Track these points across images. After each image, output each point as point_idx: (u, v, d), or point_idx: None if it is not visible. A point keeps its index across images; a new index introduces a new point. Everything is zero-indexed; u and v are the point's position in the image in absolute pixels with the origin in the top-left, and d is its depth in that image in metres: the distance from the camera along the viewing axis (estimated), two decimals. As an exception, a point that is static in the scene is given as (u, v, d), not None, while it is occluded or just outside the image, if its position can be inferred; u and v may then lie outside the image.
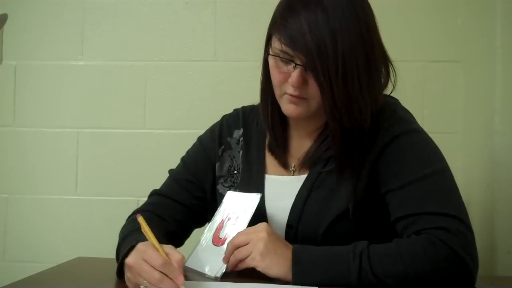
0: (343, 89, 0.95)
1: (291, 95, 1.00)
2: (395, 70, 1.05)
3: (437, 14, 1.74)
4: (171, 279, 0.85)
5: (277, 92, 1.04)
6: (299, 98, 1.00)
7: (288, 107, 1.02)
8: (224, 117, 1.25)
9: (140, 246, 0.91)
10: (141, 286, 0.87)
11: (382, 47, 1.03)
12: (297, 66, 0.97)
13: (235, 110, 1.25)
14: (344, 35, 0.93)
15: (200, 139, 1.24)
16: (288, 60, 0.98)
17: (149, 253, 0.87)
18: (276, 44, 0.99)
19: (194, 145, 1.25)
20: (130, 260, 0.90)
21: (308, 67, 0.96)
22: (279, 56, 0.99)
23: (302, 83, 0.98)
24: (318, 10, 0.94)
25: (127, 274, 0.91)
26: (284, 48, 0.97)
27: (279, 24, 0.98)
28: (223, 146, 1.19)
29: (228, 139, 1.20)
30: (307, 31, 0.93)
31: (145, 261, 0.87)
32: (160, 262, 0.85)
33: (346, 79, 0.94)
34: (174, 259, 0.87)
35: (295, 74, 0.97)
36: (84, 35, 1.88)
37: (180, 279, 0.85)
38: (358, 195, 1.01)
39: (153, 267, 0.86)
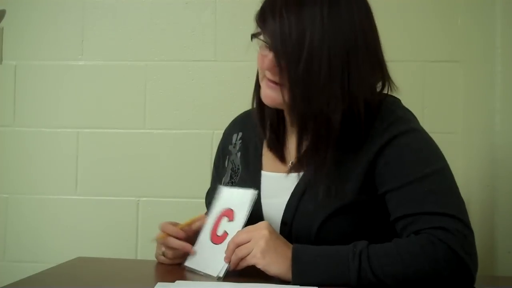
0: (305, 77, 0.96)
1: (268, 80, 1.03)
2: (388, 71, 1.05)
3: (437, 14, 1.74)
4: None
5: (260, 75, 1.07)
6: (275, 84, 1.02)
7: (264, 92, 1.05)
8: (225, 130, 1.29)
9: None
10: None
11: (375, 47, 1.03)
12: (271, 50, 1.00)
13: (232, 120, 1.29)
14: (315, 25, 0.95)
15: (214, 163, 1.31)
16: (266, 44, 1.01)
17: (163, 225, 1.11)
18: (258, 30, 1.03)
19: (212, 170, 1.32)
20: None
21: (274, 51, 0.98)
22: (259, 39, 1.02)
23: (275, 67, 1.00)
24: (296, 1, 0.97)
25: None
26: (256, 21, 1.02)
27: (260, 11, 1.02)
28: (227, 156, 1.22)
29: (230, 147, 1.23)
30: (277, 18, 0.97)
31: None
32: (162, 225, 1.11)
33: (309, 68, 0.96)
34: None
35: (268, 56, 1.00)
36: (84, 35, 1.88)
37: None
38: (352, 194, 1.01)
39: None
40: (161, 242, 1.11)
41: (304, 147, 1.05)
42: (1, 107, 1.90)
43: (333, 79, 0.97)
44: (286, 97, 1.00)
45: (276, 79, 1.01)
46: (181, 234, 1.09)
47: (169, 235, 1.09)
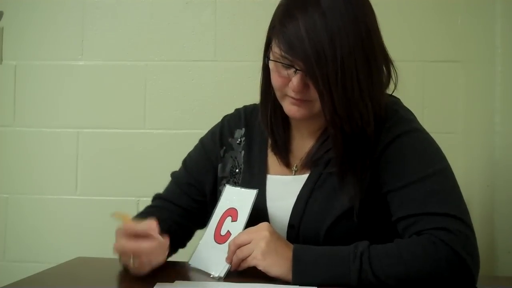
0: (343, 95, 0.94)
1: (293, 98, 1.00)
2: (396, 70, 1.05)
3: (437, 14, 1.74)
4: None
5: (278, 94, 1.04)
6: (301, 101, 1.00)
7: (290, 108, 1.02)
8: (225, 117, 1.24)
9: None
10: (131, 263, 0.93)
11: (383, 47, 1.02)
12: (297, 71, 0.96)
13: (237, 110, 1.24)
14: (342, 39, 0.92)
15: (201, 141, 1.24)
16: (288, 66, 0.98)
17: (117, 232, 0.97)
18: (276, 49, 0.99)
19: (195, 147, 1.24)
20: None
21: (307, 73, 0.95)
22: (279, 62, 0.98)
23: (303, 87, 0.97)
24: (316, 14, 0.93)
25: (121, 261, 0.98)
26: (284, 54, 0.96)
27: (278, 29, 0.97)
28: (224, 147, 1.19)
29: (230, 139, 1.20)
30: (305, 37, 0.92)
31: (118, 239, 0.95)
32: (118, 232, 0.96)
33: (345, 85, 0.94)
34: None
35: (295, 79, 0.97)
36: (84, 35, 1.88)
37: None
38: (361, 195, 1.00)
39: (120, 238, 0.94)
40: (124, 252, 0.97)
41: (316, 151, 1.06)
42: (1, 107, 1.90)
43: (363, 90, 0.96)
44: (328, 116, 0.96)
45: (305, 96, 0.99)
46: (136, 228, 0.97)
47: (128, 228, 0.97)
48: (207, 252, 1.04)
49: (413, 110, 1.09)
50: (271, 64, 1.02)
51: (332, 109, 0.95)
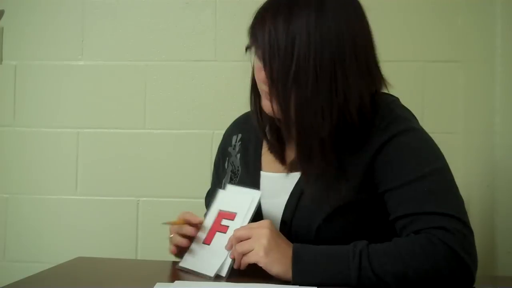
0: (293, 91, 0.97)
1: (265, 91, 1.04)
2: (382, 73, 1.05)
3: (437, 14, 1.74)
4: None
5: (258, 87, 1.08)
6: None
7: (263, 103, 1.06)
8: (225, 131, 1.29)
9: None
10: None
11: (364, 53, 1.02)
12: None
13: (234, 120, 1.29)
14: (302, 39, 0.96)
15: (214, 164, 1.31)
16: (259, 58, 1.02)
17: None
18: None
19: (212, 173, 1.32)
20: None
21: (263, 66, 1.00)
22: (249, 49, 1.05)
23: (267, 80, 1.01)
24: (283, 14, 0.98)
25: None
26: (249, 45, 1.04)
27: (251, 26, 1.05)
28: (227, 158, 1.23)
29: (229, 148, 1.23)
30: (266, 33, 0.98)
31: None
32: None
33: (297, 82, 0.96)
34: None
35: (262, 72, 1.01)
36: (84, 35, 1.88)
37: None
38: (352, 193, 1.01)
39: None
40: (175, 230, 1.09)
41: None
42: (1, 107, 1.90)
43: (321, 92, 0.97)
44: (276, 110, 1.01)
45: (269, 91, 1.02)
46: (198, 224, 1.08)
47: (187, 222, 1.07)
48: (197, 254, 1.04)
49: (413, 110, 1.09)
50: (255, 61, 1.06)
51: (277, 103, 0.99)
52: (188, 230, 1.06)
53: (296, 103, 0.98)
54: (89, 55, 1.88)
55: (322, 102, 0.97)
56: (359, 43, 1.01)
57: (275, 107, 1.00)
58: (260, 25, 1.01)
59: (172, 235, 1.08)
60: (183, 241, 1.06)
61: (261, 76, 1.02)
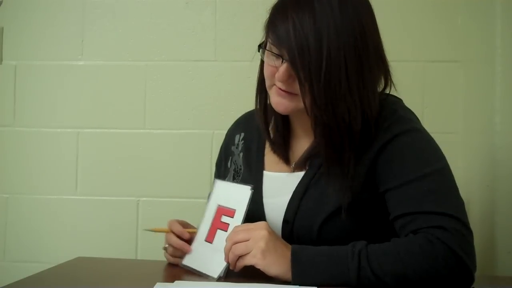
0: (326, 88, 0.96)
1: (279, 89, 1.02)
2: (391, 72, 1.06)
3: (437, 14, 1.74)
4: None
5: (267, 83, 1.06)
6: (287, 93, 1.02)
7: (275, 100, 1.05)
8: (227, 131, 1.29)
9: None
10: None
11: (379, 48, 1.03)
12: (283, 61, 0.99)
13: (236, 120, 1.29)
14: (330, 35, 0.95)
15: (215, 164, 1.31)
16: (277, 55, 1.01)
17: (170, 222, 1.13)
18: (268, 41, 1.03)
19: (214, 173, 1.31)
20: None
21: (291, 63, 0.98)
22: (269, 51, 1.02)
23: (289, 78, 1.00)
24: (306, 9, 0.96)
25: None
26: (271, 44, 1.01)
27: (270, 22, 1.02)
28: (230, 157, 1.23)
29: (232, 147, 1.23)
30: (291, 30, 0.96)
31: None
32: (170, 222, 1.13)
33: (330, 79, 0.96)
34: None
35: (281, 68, 1.00)
36: (84, 35, 1.88)
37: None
38: (352, 193, 1.01)
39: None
40: (167, 239, 1.12)
41: (312, 149, 1.07)
42: (1, 107, 1.90)
43: (351, 86, 0.97)
44: (308, 108, 0.99)
45: (290, 89, 1.01)
46: (186, 235, 1.10)
47: (173, 233, 1.10)
48: (200, 252, 1.04)
49: (413, 110, 1.09)
50: (265, 56, 1.04)
51: (311, 100, 0.98)
52: (173, 240, 1.09)
53: (331, 99, 0.97)
54: (89, 55, 1.88)
55: (354, 97, 0.98)
56: (375, 37, 1.02)
57: (307, 104, 0.99)
58: (281, 21, 0.98)
59: (167, 245, 1.11)
60: (175, 252, 1.10)
61: (281, 75, 1.00)
